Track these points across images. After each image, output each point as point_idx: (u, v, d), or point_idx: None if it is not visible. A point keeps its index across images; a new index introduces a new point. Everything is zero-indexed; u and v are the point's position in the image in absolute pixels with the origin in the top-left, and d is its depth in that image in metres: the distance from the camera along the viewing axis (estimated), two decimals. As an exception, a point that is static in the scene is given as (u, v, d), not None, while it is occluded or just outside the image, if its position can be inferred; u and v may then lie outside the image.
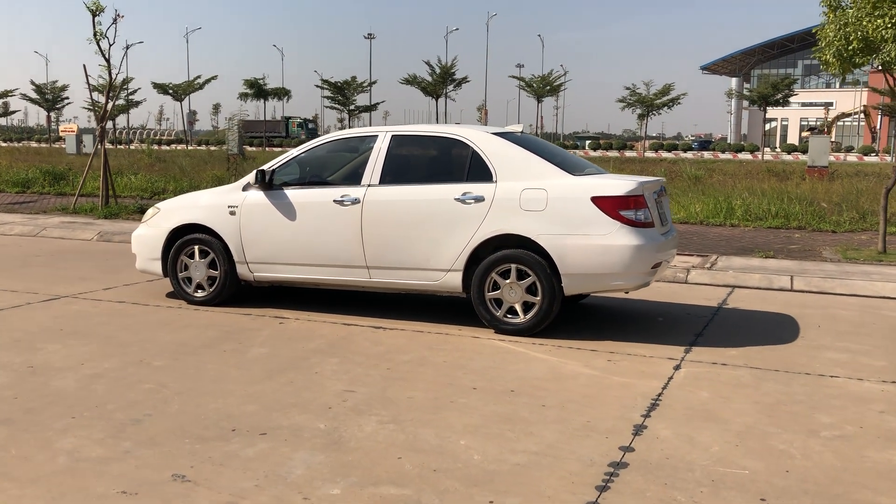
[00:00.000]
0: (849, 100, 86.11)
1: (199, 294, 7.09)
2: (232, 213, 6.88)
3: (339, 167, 7.02)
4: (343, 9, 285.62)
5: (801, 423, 4.35)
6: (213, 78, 70.58)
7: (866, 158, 54.56)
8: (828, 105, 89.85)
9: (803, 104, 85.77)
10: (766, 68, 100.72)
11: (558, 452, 3.91)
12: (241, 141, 36.55)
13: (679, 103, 54.30)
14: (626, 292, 6.50)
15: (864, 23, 9.45)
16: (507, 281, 6.07)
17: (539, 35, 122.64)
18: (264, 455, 3.85)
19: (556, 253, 5.88)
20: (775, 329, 6.56)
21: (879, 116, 68.54)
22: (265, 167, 6.84)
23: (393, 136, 6.59)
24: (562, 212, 5.90)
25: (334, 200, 6.51)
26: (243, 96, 67.65)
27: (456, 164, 6.39)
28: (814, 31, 10.70)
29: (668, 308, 7.40)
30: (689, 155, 55.56)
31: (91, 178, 16.53)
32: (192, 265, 7.08)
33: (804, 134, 78.70)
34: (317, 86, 64.54)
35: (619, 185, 5.93)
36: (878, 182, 23.02)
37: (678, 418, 4.39)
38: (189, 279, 7.14)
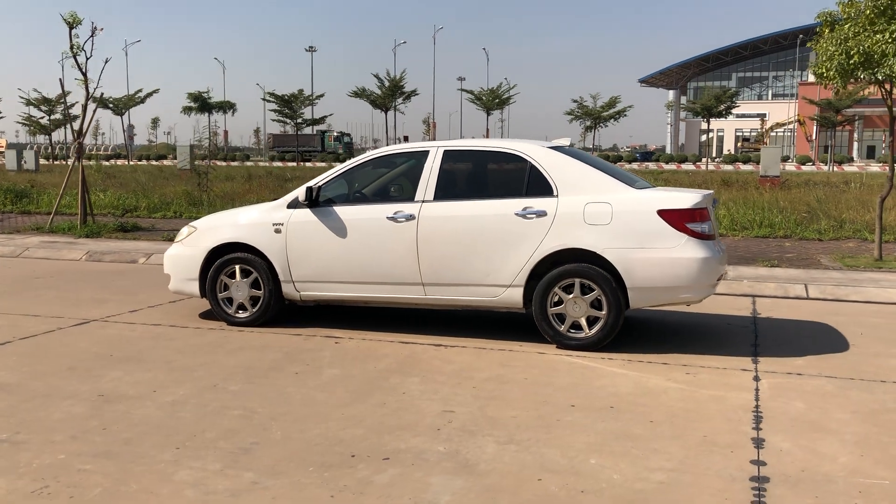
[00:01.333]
0: (782, 111, 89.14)
1: (242, 315, 6.89)
2: (277, 231, 6.71)
3: (388, 183, 6.93)
4: (286, 21, 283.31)
5: (908, 431, 4.42)
6: (155, 91, 69.21)
7: (804, 167, 56.34)
8: (762, 116, 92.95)
9: (738, 115, 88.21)
10: (702, 81, 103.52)
11: (693, 469, 3.89)
12: (193, 157, 35.98)
13: (625, 115, 55.42)
14: (688, 305, 6.55)
15: (862, 38, 9.76)
16: (571, 296, 6.05)
17: (484, 48, 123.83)
18: (400, 481, 3.74)
19: (622, 266, 5.89)
20: (822, 338, 6.69)
21: (815, 126, 71.00)
22: (312, 184, 6.70)
23: (445, 151, 6.53)
24: (628, 225, 5.92)
25: (387, 217, 6.41)
26: (187, 110, 66.44)
27: (513, 178, 6.35)
28: (808, 44, 11.02)
29: (705, 319, 7.48)
30: (635, 166, 56.65)
31: (56, 196, 15.95)
32: (234, 285, 6.88)
33: (740, 144, 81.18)
34: (263, 99, 63.89)
35: (684, 197, 5.98)
36: (833, 191, 23.82)
37: (789, 430, 4.43)
38: (229, 300, 6.94)
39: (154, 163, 66.46)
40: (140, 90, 68.33)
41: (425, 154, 6.56)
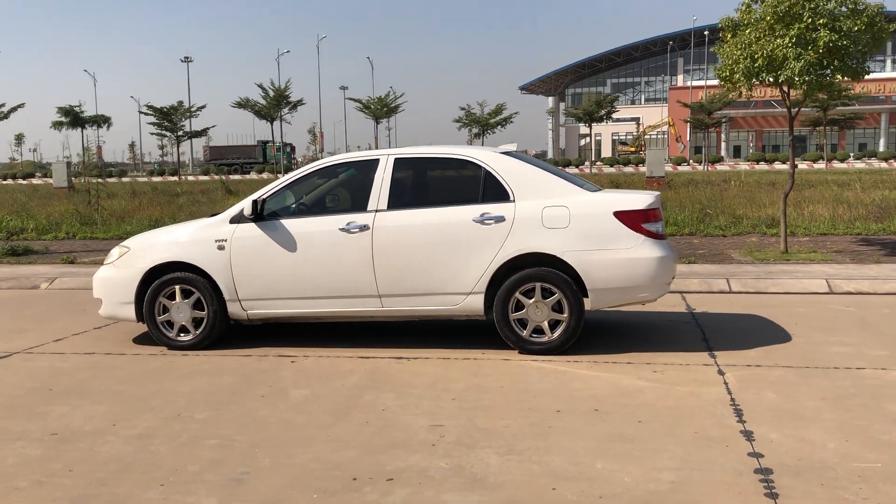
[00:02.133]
0: (655, 114, 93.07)
1: (184, 338, 6.52)
2: (221, 248, 6.39)
3: (336, 194, 6.72)
4: (159, 31, 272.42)
5: (879, 414, 4.63)
6: (21, 106, 64.86)
7: (680, 168, 58.95)
8: (637, 120, 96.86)
9: (614, 120, 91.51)
10: (579, 87, 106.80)
11: (698, 466, 3.93)
12: (70, 175, 34.29)
13: (512, 122, 56.42)
14: (643, 304, 6.65)
15: (764, 42, 10.26)
16: (532, 300, 6.04)
17: (368, 57, 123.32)
18: (414, 501, 3.60)
19: (582, 269, 5.94)
20: (763, 330, 6.94)
21: (688, 128, 74.45)
22: (256, 196, 6.42)
23: (396, 159, 6.40)
24: (586, 228, 5.97)
25: (340, 228, 6.23)
26: (57, 125, 62.87)
27: (467, 184, 6.30)
28: (712, 49, 11.50)
29: (646, 316, 7.65)
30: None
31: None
32: (174, 307, 6.51)
33: (619, 147, 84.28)
34: (140, 112, 61.34)
35: (638, 199, 6.09)
36: (716, 189, 25.05)
37: (771, 421, 4.55)
38: (170, 322, 6.56)
39: (22, 181, 62.74)
40: (3, 104, 64.00)
41: (375, 163, 6.41)
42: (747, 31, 10.59)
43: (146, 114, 62.52)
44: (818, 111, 57.50)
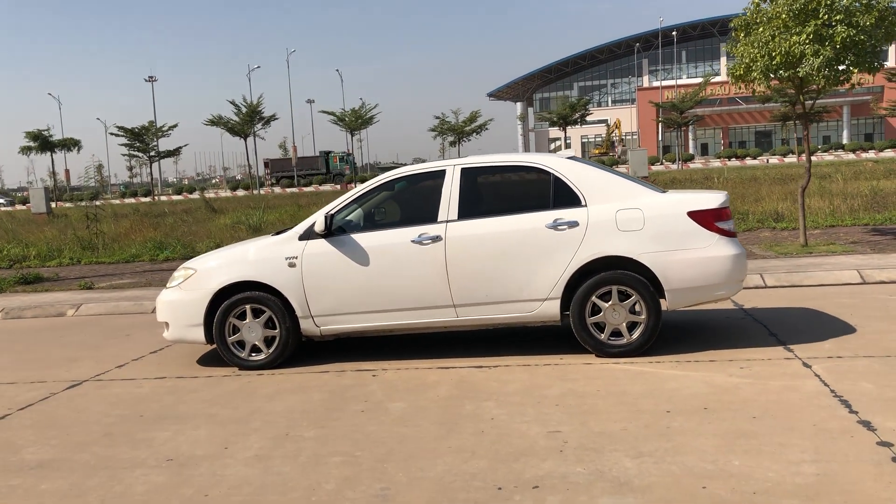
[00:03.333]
0: (623, 115, 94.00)
1: (257, 357, 6.48)
2: (292, 266, 6.36)
3: (404, 206, 6.71)
4: (121, 51, 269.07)
5: (982, 398, 4.74)
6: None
7: (654, 167, 59.55)
8: (606, 122, 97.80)
9: (585, 122, 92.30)
10: (546, 92, 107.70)
11: (834, 458, 3.99)
12: (48, 200, 33.96)
13: (487, 129, 56.71)
14: (718, 301, 6.72)
15: (779, 40, 10.45)
16: (609, 303, 6.09)
17: (337, 70, 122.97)
18: (571, 507, 3.62)
19: (659, 270, 6.00)
20: (823, 322, 7.05)
21: (660, 128, 75.25)
22: (325, 212, 6.40)
23: (463, 168, 6.42)
24: (661, 229, 6.04)
25: (412, 241, 6.23)
26: (25, 150, 61.95)
27: (537, 191, 6.33)
28: (725, 48, 11.67)
29: (697, 314, 7.74)
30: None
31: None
32: (245, 327, 6.46)
33: (596, 151, 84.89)
34: (112, 133, 60.63)
35: (711, 198, 6.17)
36: (701, 187, 25.35)
37: (884, 410, 4.63)
38: (240, 343, 6.51)
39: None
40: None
41: (441, 173, 6.43)
42: (761, 30, 10.78)
43: (116, 135, 61.88)
44: (786, 106, 58.50)
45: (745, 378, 5.44)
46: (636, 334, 6.10)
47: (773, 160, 60.73)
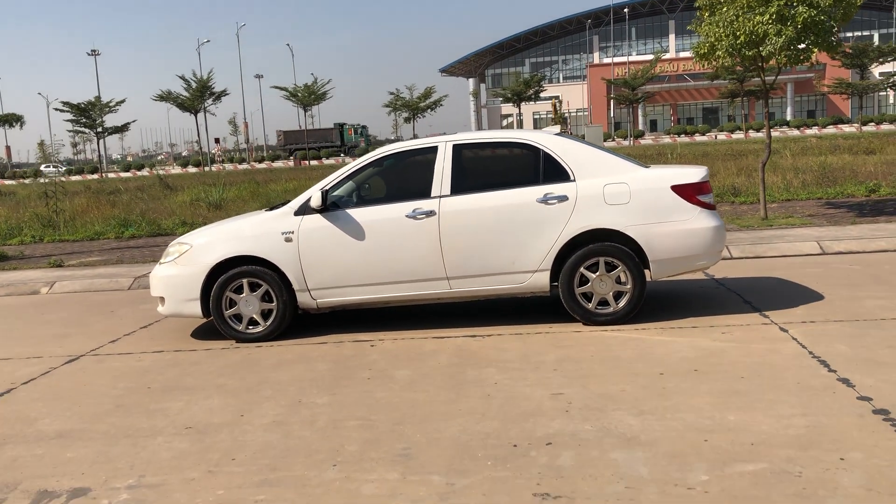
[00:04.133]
0: (575, 92, 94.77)
1: (254, 330, 6.62)
2: (288, 240, 6.50)
3: (397, 182, 6.88)
4: (62, 24, 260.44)
5: (947, 357, 5.14)
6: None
7: (605, 144, 60.32)
8: (555, 98, 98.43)
9: (538, 99, 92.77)
10: (498, 68, 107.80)
11: (821, 412, 4.33)
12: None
13: (441, 105, 56.76)
14: (699, 271, 7.04)
15: (743, 20, 10.81)
16: (596, 274, 6.37)
17: (288, 44, 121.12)
18: (587, 462, 3.88)
19: (645, 242, 6.30)
20: (793, 290, 7.45)
21: (612, 104, 76.04)
22: (321, 187, 6.54)
23: (454, 145, 6.61)
24: (646, 203, 6.32)
25: (406, 215, 6.42)
26: (-35, 126, 59.96)
27: (527, 166, 6.55)
28: (689, 27, 12.00)
29: (673, 285, 8.08)
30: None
31: None
32: (242, 300, 6.59)
33: (550, 129, 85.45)
34: (57, 109, 58.98)
35: (692, 172, 6.47)
36: (657, 162, 25.89)
37: (860, 369, 4.99)
38: (237, 316, 6.64)
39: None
40: None
41: (434, 150, 6.61)
42: (725, 10, 11.12)
43: (61, 111, 60.27)
44: (734, 83, 59.75)
45: (728, 342, 5.78)
46: (622, 303, 6.40)
47: (722, 136, 62.07)
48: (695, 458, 3.83)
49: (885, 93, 78.81)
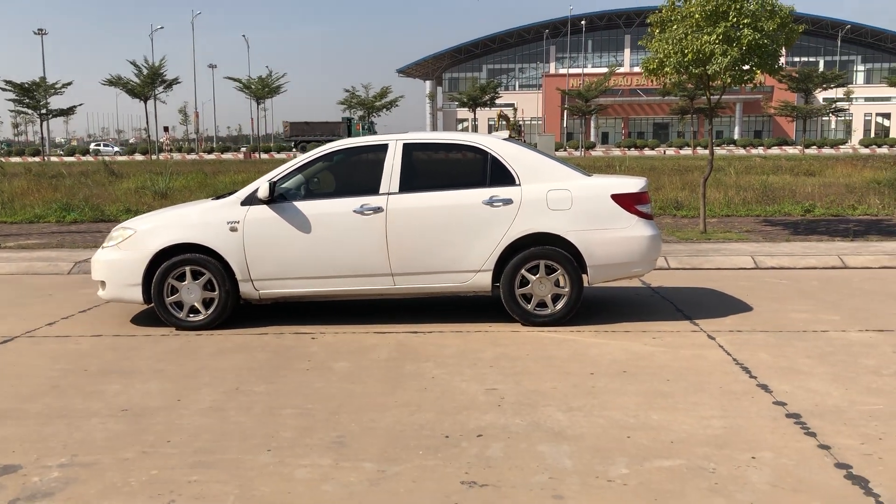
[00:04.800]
0: (530, 100, 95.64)
1: (195, 318, 6.63)
2: (233, 230, 6.53)
3: (346, 177, 6.96)
4: (12, 2, 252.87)
5: (860, 367, 5.43)
6: None
7: (557, 153, 61.14)
8: (511, 106, 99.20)
9: (494, 105, 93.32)
10: (456, 72, 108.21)
11: (738, 414, 4.56)
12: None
13: (397, 105, 56.81)
14: (636, 278, 7.26)
15: (691, 38, 11.16)
16: (536, 276, 6.55)
17: (244, 35, 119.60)
18: (514, 453, 4.03)
19: (584, 247, 6.49)
20: (724, 300, 7.74)
21: (565, 115, 76.94)
22: (269, 179, 6.59)
23: (405, 143, 6.72)
24: (586, 209, 6.52)
25: (354, 210, 6.51)
26: None
27: (474, 169, 6.70)
28: (640, 42, 12.32)
29: (611, 291, 8.31)
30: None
31: None
32: (184, 288, 6.60)
33: (498, 133, 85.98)
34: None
35: (632, 183, 6.69)
36: (604, 172, 26.36)
37: (778, 376, 5.25)
38: (178, 303, 6.64)
39: None
40: None
41: (384, 147, 6.71)
42: (675, 28, 11.46)
43: (4, 90, 58.54)
44: (685, 100, 61.06)
45: (658, 347, 6.00)
46: (560, 305, 6.58)
47: (670, 151, 63.41)
48: (617, 452, 4.01)
49: (827, 118, 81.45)
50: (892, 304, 7.46)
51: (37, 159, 57.81)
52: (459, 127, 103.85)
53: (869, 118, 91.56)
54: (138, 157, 62.89)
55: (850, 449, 4.02)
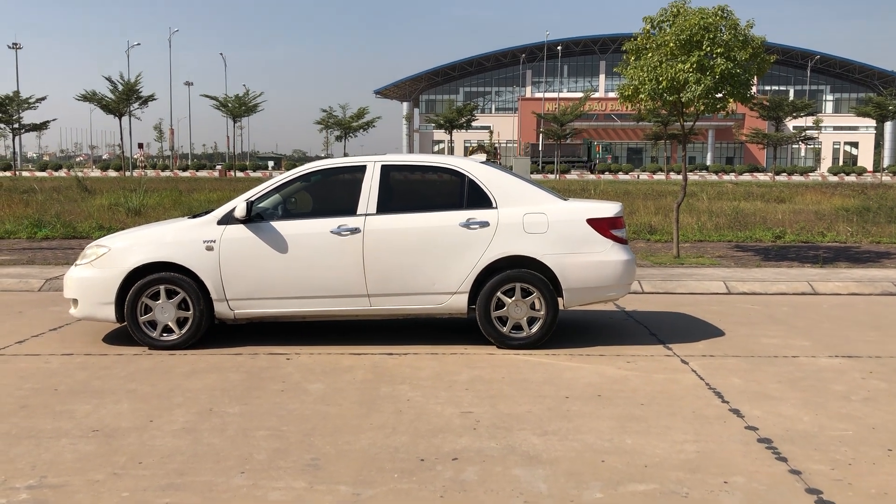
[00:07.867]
0: (505, 123, 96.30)
1: (168, 338, 6.57)
2: (209, 249, 6.50)
3: (324, 198, 6.96)
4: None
5: (829, 393, 5.51)
6: None
7: (533, 176, 61.58)
8: (488, 129, 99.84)
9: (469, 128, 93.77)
10: (433, 94, 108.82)
11: (711, 439, 4.60)
12: None
13: (374, 126, 56.86)
14: (611, 302, 7.32)
15: (666, 67, 11.34)
16: (512, 299, 6.58)
17: (221, 53, 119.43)
18: (489, 477, 4.03)
19: (559, 270, 6.54)
20: (697, 325, 7.82)
21: (541, 138, 77.51)
22: (246, 199, 6.58)
23: (383, 165, 6.74)
24: (562, 233, 6.58)
25: (331, 231, 6.51)
26: None
27: (452, 191, 6.74)
28: (615, 69, 12.50)
29: (586, 315, 8.37)
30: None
31: None
32: (158, 307, 6.54)
33: (476, 157, 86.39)
34: (-30, 101, 56.45)
35: (607, 207, 6.76)
36: (578, 195, 26.58)
37: (750, 401, 5.31)
38: (152, 322, 6.58)
39: None
40: None
41: (362, 168, 6.73)
42: (650, 55, 11.64)
43: (-25, 104, 57.81)
44: (659, 126, 61.81)
45: (632, 371, 6.04)
46: (535, 328, 6.62)
47: (644, 176, 64.01)
48: (591, 476, 4.03)
49: (797, 146, 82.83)
50: (860, 331, 7.58)
51: (8, 174, 57.09)
52: (435, 148, 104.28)
53: (837, 146, 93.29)
54: (112, 173, 62.33)
55: (821, 474, 4.07)
